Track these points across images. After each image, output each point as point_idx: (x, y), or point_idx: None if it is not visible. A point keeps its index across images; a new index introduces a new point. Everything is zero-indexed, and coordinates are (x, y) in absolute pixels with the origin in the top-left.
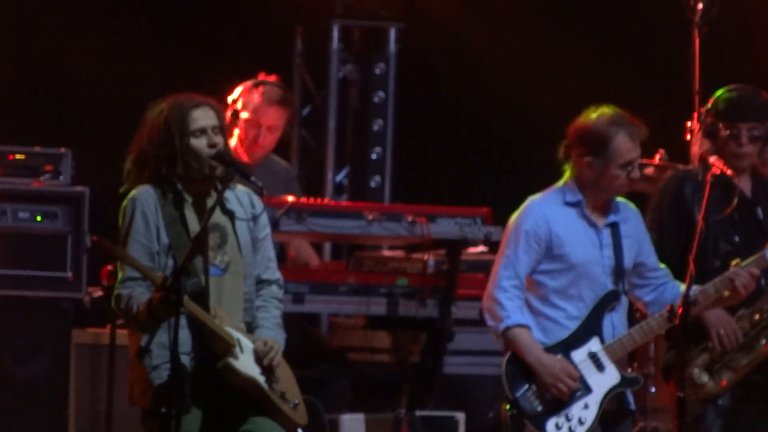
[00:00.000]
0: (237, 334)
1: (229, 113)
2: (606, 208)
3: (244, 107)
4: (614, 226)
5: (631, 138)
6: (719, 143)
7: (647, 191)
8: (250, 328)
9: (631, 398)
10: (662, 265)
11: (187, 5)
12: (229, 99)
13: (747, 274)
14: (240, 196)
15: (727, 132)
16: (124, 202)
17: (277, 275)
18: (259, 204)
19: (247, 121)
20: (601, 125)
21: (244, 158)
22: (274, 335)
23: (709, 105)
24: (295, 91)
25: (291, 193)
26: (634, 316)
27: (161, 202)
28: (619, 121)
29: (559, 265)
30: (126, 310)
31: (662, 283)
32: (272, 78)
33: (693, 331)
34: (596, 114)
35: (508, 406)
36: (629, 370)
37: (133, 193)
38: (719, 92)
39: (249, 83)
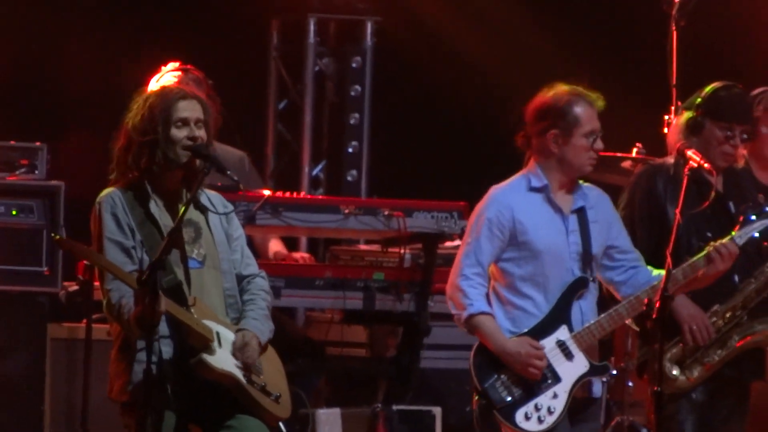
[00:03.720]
0: (217, 327)
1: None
2: (572, 193)
3: None
4: (581, 212)
5: (591, 107)
6: (708, 140)
7: (624, 185)
8: (238, 323)
9: (597, 387)
10: (635, 250)
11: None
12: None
13: (725, 247)
14: (211, 197)
15: (722, 132)
16: (93, 207)
17: (259, 270)
18: (229, 205)
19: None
20: (560, 97)
21: None
22: (258, 325)
23: (698, 100)
24: (271, 85)
25: (249, 181)
26: (608, 304)
27: (130, 204)
28: (576, 92)
29: (524, 252)
30: (118, 318)
31: (634, 266)
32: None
33: (666, 325)
34: (552, 90)
35: (477, 397)
36: (609, 362)
37: (100, 196)
38: (709, 89)
39: (166, 71)
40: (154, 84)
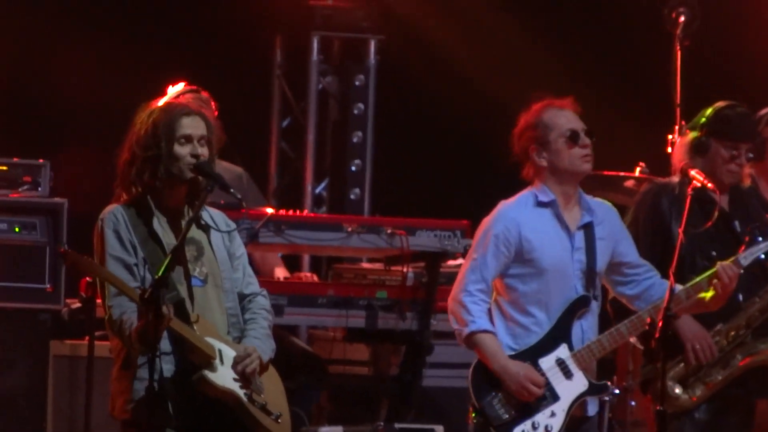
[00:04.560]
0: (219, 345)
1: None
2: (580, 207)
3: None
4: (588, 228)
5: (560, 109)
6: (714, 160)
7: (628, 204)
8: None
9: (591, 406)
10: (646, 263)
11: (167, 17)
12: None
13: (730, 268)
14: (214, 215)
15: (728, 152)
16: (96, 224)
17: (260, 288)
18: (231, 223)
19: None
20: (529, 115)
21: None
22: (260, 344)
23: (702, 120)
24: (275, 103)
25: (249, 197)
26: (609, 321)
27: (132, 221)
28: (542, 104)
29: (530, 269)
30: (119, 333)
31: (646, 278)
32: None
33: (669, 343)
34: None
35: (473, 414)
36: (610, 383)
37: (102, 213)
38: (712, 109)
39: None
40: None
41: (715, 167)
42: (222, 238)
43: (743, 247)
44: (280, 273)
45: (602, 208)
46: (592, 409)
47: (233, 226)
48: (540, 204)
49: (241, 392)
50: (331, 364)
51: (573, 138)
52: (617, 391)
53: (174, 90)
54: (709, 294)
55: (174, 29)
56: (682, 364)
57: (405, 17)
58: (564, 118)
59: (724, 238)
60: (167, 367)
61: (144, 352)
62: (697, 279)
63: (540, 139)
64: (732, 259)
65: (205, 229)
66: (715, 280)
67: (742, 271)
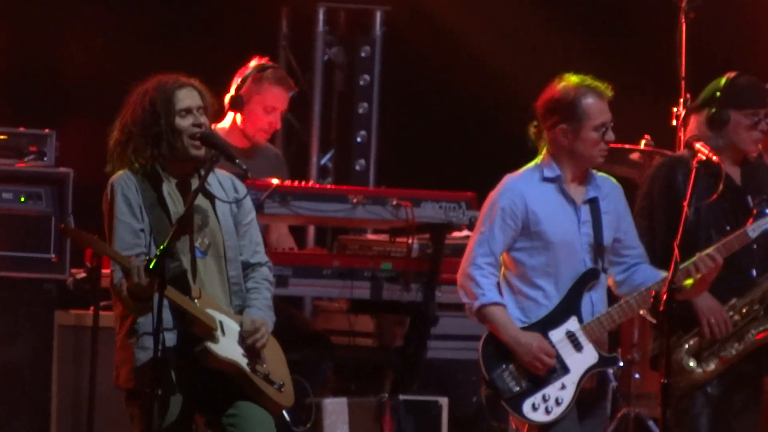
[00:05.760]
0: (220, 316)
1: (227, 98)
2: (585, 182)
3: (258, 92)
4: (593, 202)
5: (600, 99)
6: (735, 131)
7: (633, 177)
8: (242, 312)
9: (611, 374)
10: (640, 246)
11: None
12: (237, 86)
13: (710, 258)
14: (222, 180)
15: (749, 120)
16: (106, 189)
17: (266, 258)
18: (242, 188)
19: (264, 107)
20: (569, 91)
21: (245, 143)
22: (263, 315)
23: (717, 94)
24: None
25: (283, 175)
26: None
27: (141, 186)
28: (586, 85)
29: (537, 242)
30: (118, 294)
31: (634, 264)
32: (266, 60)
33: (684, 317)
34: (561, 83)
35: (484, 387)
36: (617, 353)
37: (112, 178)
38: (725, 80)
39: (253, 70)
40: (259, 82)
41: (737, 137)
42: (229, 205)
43: (751, 220)
44: (287, 243)
45: (607, 183)
46: (612, 378)
47: (242, 192)
48: (545, 179)
49: (243, 362)
50: (335, 335)
51: (603, 133)
52: (621, 364)
53: (258, 67)
54: (689, 281)
55: (180, 1)
56: (696, 338)
57: None
58: (600, 108)
59: (737, 213)
60: (169, 336)
61: (140, 310)
62: (686, 263)
63: (573, 123)
64: (741, 230)
65: (210, 197)
66: (692, 267)
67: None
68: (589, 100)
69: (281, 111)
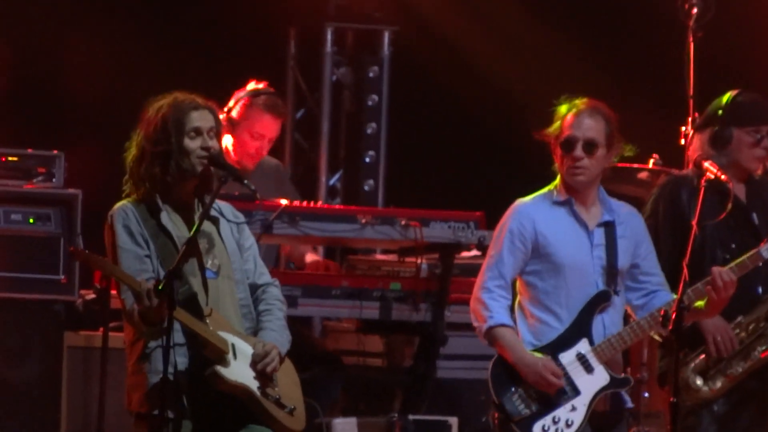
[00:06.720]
0: (233, 339)
1: (222, 118)
2: (599, 207)
3: (246, 118)
4: (609, 226)
5: (578, 115)
6: (738, 148)
7: (641, 196)
8: (254, 334)
9: (626, 396)
10: (660, 274)
11: (181, 7)
12: (229, 107)
13: (727, 274)
14: (222, 208)
15: (751, 137)
16: (106, 221)
17: (272, 278)
18: (240, 216)
19: (250, 133)
20: (561, 109)
21: (236, 165)
22: (278, 337)
23: (719, 112)
24: (289, 94)
25: (284, 191)
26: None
27: (142, 216)
28: (577, 105)
29: (547, 265)
30: (130, 319)
31: (654, 290)
32: (263, 84)
33: (690, 336)
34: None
35: (494, 410)
36: (623, 374)
37: (112, 209)
38: (727, 98)
39: (246, 94)
40: (250, 107)
41: (740, 155)
42: (231, 229)
43: (765, 240)
44: (310, 258)
45: (624, 210)
46: (629, 400)
47: (242, 218)
48: (556, 203)
49: (254, 386)
50: (345, 355)
51: (565, 147)
52: (631, 382)
53: (252, 93)
54: (702, 302)
55: (188, 20)
56: (703, 356)
57: (419, 8)
58: (571, 123)
59: (742, 230)
60: (181, 359)
61: (153, 334)
62: (698, 284)
63: (555, 139)
64: (754, 251)
65: (215, 221)
66: (708, 287)
67: (735, 279)
68: (571, 116)
69: (270, 139)
